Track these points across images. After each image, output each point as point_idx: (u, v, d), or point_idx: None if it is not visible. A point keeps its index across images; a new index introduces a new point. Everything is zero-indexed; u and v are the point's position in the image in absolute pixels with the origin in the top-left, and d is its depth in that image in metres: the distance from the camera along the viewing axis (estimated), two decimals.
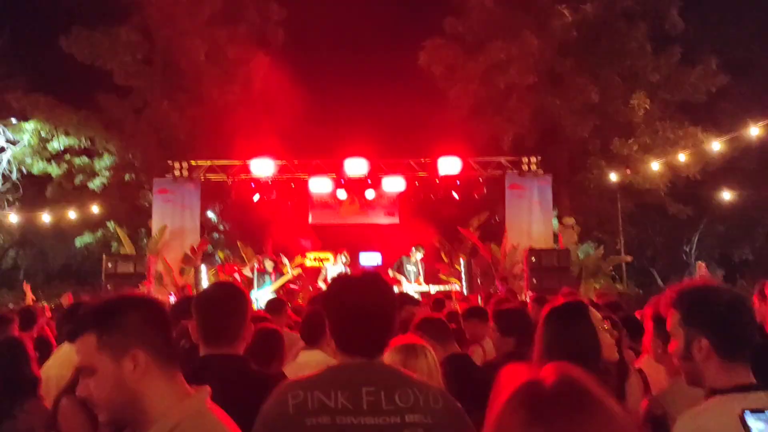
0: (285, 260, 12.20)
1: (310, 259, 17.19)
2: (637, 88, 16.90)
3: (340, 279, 2.19)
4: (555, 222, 16.35)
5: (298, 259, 15.85)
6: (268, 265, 11.72)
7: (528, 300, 9.60)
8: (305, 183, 15.10)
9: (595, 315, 2.60)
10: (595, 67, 17.04)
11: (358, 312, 1.98)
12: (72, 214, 18.07)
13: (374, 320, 1.99)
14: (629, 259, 17.47)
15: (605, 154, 17.60)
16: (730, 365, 1.93)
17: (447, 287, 12.78)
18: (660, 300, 2.50)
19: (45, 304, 9.49)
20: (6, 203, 20.52)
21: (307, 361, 3.28)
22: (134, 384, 1.55)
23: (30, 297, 7.50)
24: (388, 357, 2.52)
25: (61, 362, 3.80)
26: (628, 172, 16.95)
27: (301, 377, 2.08)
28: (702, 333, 1.95)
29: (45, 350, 4.26)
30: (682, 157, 15.72)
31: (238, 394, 1.90)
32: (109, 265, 12.99)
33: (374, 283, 2.05)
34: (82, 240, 20.19)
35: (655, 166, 16.28)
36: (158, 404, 1.56)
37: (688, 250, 23.70)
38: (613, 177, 17.10)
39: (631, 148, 17.01)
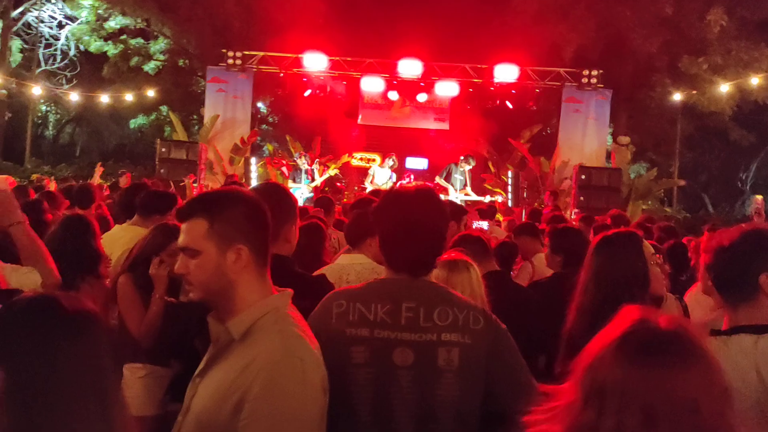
0: (316, 168, 12.16)
1: (357, 159, 17.28)
2: (715, 2, 15.77)
3: (393, 192, 2.11)
4: (609, 140, 15.91)
5: (344, 158, 15.95)
6: (302, 161, 11.78)
7: (574, 218, 9.54)
8: (357, 81, 14.89)
9: (648, 248, 2.58)
10: None
11: (408, 229, 1.94)
12: (128, 97, 18.35)
13: (424, 239, 1.95)
14: (682, 183, 17.06)
15: (672, 72, 16.73)
16: None
17: (492, 198, 12.75)
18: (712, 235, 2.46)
19: (104, 183, 9.82)
20: (65, 80, 20.93)
21: (347, 264, 3.30)
22: (233, 275, 1.65)
23: (98, 177, 7.75)
24: (434, 273, 2.56)
25: (112, 241, 4.00)
26: (694, 92, 16.16)
27: (348, 288, 2.11)
28: None
29: (102, 228, 4.42)
30: (754, 81, 14.87)
31: None
32: (163, 150, 13.28)
33: (427, 200, 2.01)
34: (136, 122, 20.67)
35: (725, 87, 15.48)
36: (247, 297, 1.67)
37: (744, 178, 22.96)
38: (677, 97, 16.37)
39: (700, 67, 16.11)
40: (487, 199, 12.67)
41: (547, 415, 1.18)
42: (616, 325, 1.16)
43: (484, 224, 7.08)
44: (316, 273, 3.31)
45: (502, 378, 1.95)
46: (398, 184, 11.33)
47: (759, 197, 9.03)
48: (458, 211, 4.93)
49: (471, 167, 12.26)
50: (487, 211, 8.35)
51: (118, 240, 4.01)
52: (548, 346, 2.73)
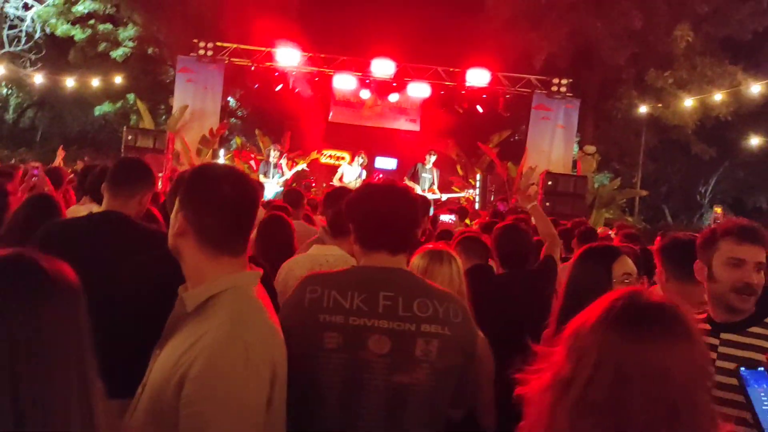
0: (284, 162, 12.06)
1: (326, 156, 17.22)
2: (682, 18, 16.19)
3: (368, 184, 2.19)
4: (576, 148, 16.18)
5: (313, 155, 15.89)
6: (273, 155, 11.67)
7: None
8: (329, 78, 14.85)
9: (623, 264, 2.62)
10: None
11: (383, 210, 1.99)
12: (94, 82, 17.95)
13: (401, 216, 2.01)
14: (644, 193, 17.42)
15: (638, 84, 17.12)
16: None
17: (461, 194, 12.86)
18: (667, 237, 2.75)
19: (68, 168, 9.58)
20: (29, 63, 20.37)
21: (319, 254, 3.26)
22: (174, 239, 1.67)
23: (59, 160, 7.62)
24: (415, 261, 2.58)
25: None
26: (659, 105, 16.55)
27: (322, 272, 2.12)
28: None
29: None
30: (717, 97, 15.30)
31: None
32: (129, 137, 13.02)
33: (401, 190, 2.09)
34: (101, 109, 20.19)
35: (688, 102, 15.89)
36: (195, 269, 1.65)
37: (703, 191, 23.56)
38: (643, 109, 16.72)
39: (666, 81, 16.52)
40: (462, 194, 12.82)
41: (537, 374, 1.25)
42: (611, 296, 1.23)
43: (453, 217, 7.17)
44: (285, 263, 3.31)
45: (467, 379, 1.99)
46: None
47: (719, 210, 9.31)
48: (424, 203, 5.00)
49: (435, 159, 12.36)
50: (458, 211, 8.44)
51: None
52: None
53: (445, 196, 12.78)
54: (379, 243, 1.98)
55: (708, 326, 2.17)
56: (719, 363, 2.03)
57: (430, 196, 11.93)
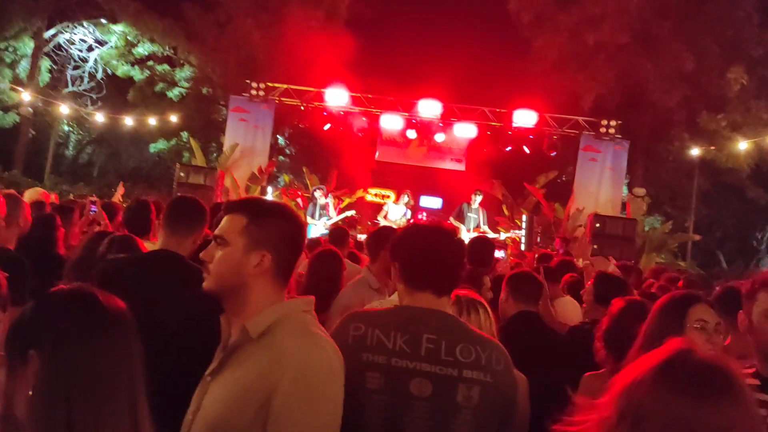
0: (330, 201, 12.08)
1: (372, 195, 17.34)
2: (735, 61, 15.91)
3: (414, 224, 2.23)
4: (625, 190, 15.88)
5: (359, 193, 16.02)
6: (318, 195, 11.72)
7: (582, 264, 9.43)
8: (376, 118, 15.05)
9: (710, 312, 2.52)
10: (694, 33, 16.05)
11: (431, 250, 2.00)
12: (151, 121, 18.65)
13: (447, 257, 2.01)
14: (697, 237, 16.92)
15: (690, 126, 16.79)
16: None
17: (507, 234, 12.71)
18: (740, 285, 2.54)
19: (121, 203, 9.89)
20: (89, 101, 21.34)
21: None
22: (249, 277, 1.71)
23: (119, 196, 7.90)
24: None
25: None
26: (712, 148, 16.17)
27: (366, 310, 2.13)
28: None
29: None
30: None
31: None
32: (182, 174, 13.39)
33: (446, 230, 2.10)
34: (156, 146, 20.92)
35: (743, 145, 15.48)
36: (260, 301, 1.70)
37: (759, 237, 22.76)
38: (695, 152, 16.37)
39: (719, 124, 16.16)
40: (503, 236, 12.65)
41: (579, 427, 1.19)
42: (659, 352, 1.17)
43: (501, 254, 7.06)
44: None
45: (507, 427, 1.96)
46: (412, 221, 11.38)
47: None
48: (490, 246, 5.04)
49: (481, 199, 12.26)
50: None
51: None
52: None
53: (491, 236, 12.64)
54: (426, 283, 1.97)
55: (758, 381, 2.07)
56: None
57: (474, 236, 11.82)
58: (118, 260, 2.92)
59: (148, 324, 2.25)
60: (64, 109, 18.83)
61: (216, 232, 1.76)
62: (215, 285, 1.72)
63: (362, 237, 9.54)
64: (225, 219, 1.76)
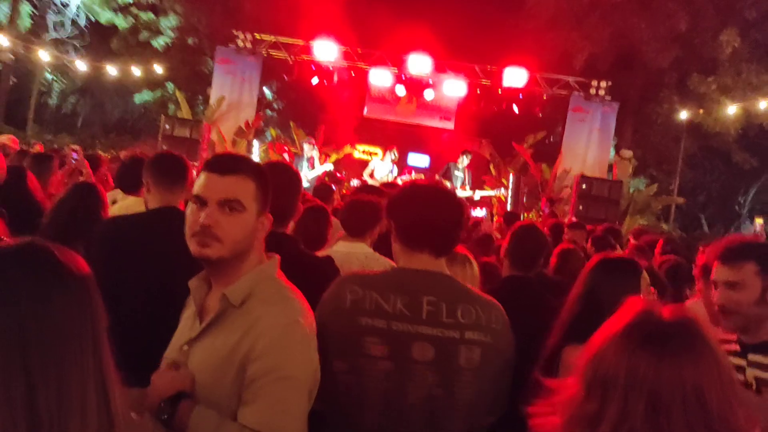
0: (315, 154, 11.90)
1: (359, 151, 17.23)
2: (730, 23, 15.76)
3: (411, 184, 2.13)
4: (612, 152, 15.89)
5: (346, 149, 15.91)
6: (307, 148, 11.59)
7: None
8: (365, 74, 14.83)
9: (645, 279, 2.52)
10: None
11: (429, 210, 1.93)
12: (135, 71, 18.24)
13: (444, 219, 1.94)
14: (681, 201, 17.05)
15: (680, 89, 16.74)
16: None
17: (493, 192, 12.67)
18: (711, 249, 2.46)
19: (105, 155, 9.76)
20: (72, 49, 20.82)
21: (348, 252, 3.24)
22: (256, 240, 1.71)
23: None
24: None
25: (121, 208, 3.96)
26: (701, 111, 16.15)
27: (361, 273, 2.08)
28: None
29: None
30: (762, 105, 14.86)
31: (289, 274, 1.85)
32: (167, 126, 13.19)
33: (445, 190, 2.07)
34: (141, 97, 20.55)
35: (732, 109, 15.47)
36: (249, 267, 1.69)
37: (742, 201, 22.99)
38: (684, 115, 16.35)
39: (709, 87, 16.11)
40: (493, 192, 12.62)
41: (550, 408, 1.18)
42: (620, 317, 1.16)
43: (483, 212, 7.09)
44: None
45: (505, 386, 1.97)
46: (398, 179, 11.32)
47: (760, 221, 9.03)
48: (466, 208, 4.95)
49: (469, 161, 12.17)
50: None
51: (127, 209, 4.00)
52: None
53: (477, 194, 12.62)
54: (423, 244, 1.92)
55: (737, 347, 2.10)
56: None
57: (461, 193, 11.80)
58: (120, 219, 2.83)
59: (154, 282, 2.21)
60: (44, 55, 18.29)
61: (227, 195, 1.63)
62: (229, 252, 1.63)
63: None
64: (230, 180, 1.64)
